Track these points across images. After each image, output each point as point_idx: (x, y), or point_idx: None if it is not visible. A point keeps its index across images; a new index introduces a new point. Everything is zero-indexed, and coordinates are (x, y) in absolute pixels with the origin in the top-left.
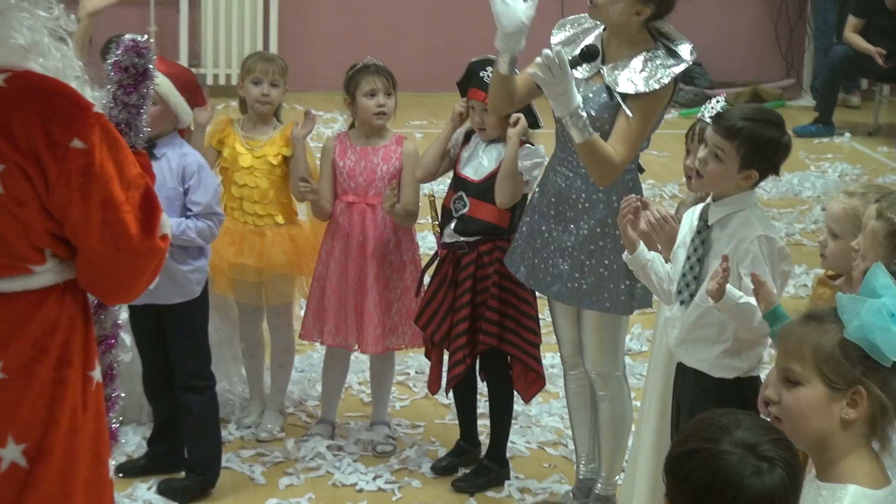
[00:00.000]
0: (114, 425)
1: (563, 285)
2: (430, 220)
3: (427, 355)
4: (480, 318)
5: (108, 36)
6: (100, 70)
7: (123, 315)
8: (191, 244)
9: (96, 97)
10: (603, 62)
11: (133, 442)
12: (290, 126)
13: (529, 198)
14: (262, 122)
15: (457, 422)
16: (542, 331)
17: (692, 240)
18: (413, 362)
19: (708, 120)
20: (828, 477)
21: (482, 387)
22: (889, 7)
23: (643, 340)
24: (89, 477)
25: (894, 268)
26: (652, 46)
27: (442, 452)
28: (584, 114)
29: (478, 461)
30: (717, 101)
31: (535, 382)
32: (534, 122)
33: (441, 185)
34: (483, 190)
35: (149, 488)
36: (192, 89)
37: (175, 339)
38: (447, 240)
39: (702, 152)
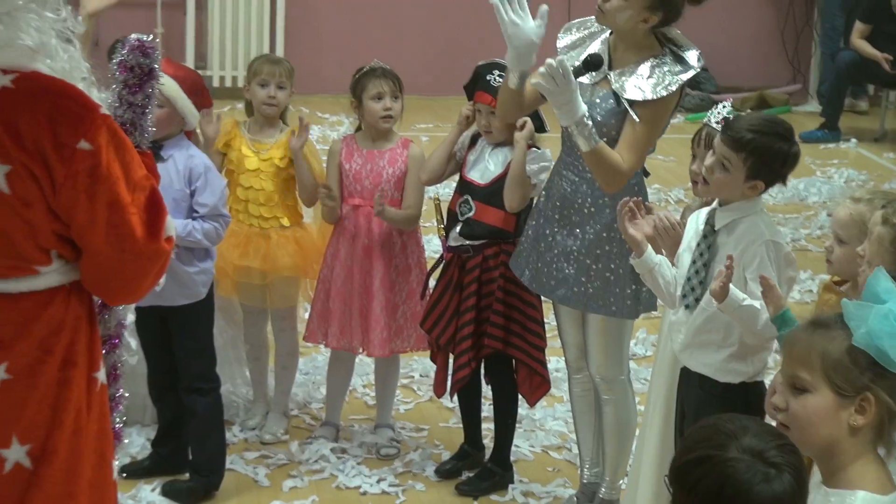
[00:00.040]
0: (117, 426)
1: (569, 289)
2: (436, 224)
3: (432, 359)
4: (485, 322)
5: (115, 38)
6: (106, 72)
7: (130, 317)
8: (197, 246)
9: (103, 99)
10: (610, 67)
11: (137, 443)
12: (295, 129)
13: (535, 202)
14: (269, 125)
15: (461, 425)
16: (546, 335)
17: (698, 244)
18: (417, 365)
19: (714, 125)
20: (835, 483)
21: (486, 390)
22: None
23: (648, 345)
24: (93, 478)
25: None
26: (659, 52)
27: (446, 456)
28: (590, 122)
29: (482, 465)
30: (724, 107)
31: (540, 386)
32: (540, 126)
33: (447, 189)
34: (489, 194)
35: (153, 490)
36: (199, 91)
37: (180, 341)
38: (452, 243)
39: (709, 159)
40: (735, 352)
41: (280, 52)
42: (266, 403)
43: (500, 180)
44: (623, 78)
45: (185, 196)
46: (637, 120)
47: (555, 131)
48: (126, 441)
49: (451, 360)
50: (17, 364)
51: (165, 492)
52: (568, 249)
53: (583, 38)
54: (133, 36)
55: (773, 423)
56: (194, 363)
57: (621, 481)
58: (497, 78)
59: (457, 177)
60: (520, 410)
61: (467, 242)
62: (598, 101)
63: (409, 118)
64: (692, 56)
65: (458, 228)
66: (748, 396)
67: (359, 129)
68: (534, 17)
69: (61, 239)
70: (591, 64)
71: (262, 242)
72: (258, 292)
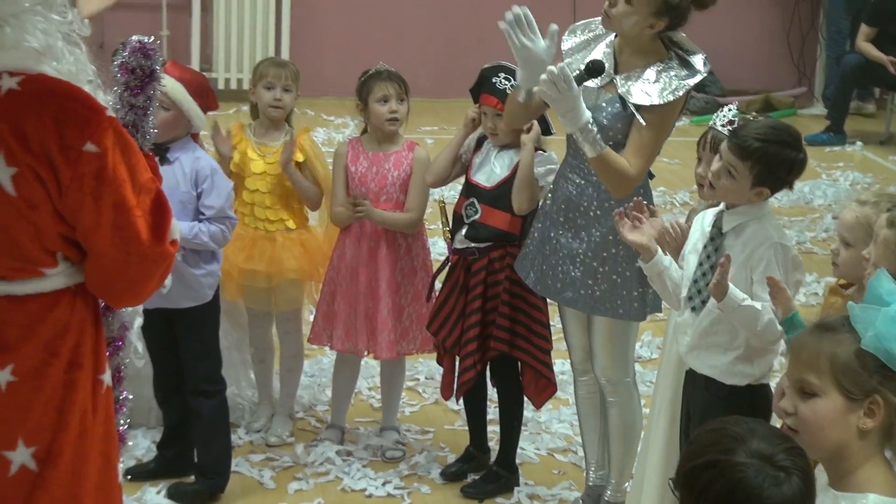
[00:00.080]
0: (121, 428)
1: (575, 292)
2: (441, 226)
3: (439, 361)
4: (491, 325)
5: (120, 40)
6: (111, 74)
7: (138, 321)
8: (203, 248)
9: (109, 101)
10: (616, 72)
11: (142, 446)
12: (301, 132)
13: (541, 204)
14: (274, 128)
15: (466, 428)
16: (552, 337)
17: (704, 246)
18: (423, 368)
19: (719, 128)
20: (844, 486)
21: (492, 393)
22: None
23: (653, 348)
24: (99, 480)
25: None
26: (665, 56)
27: (451, 458)
28: (595, 128)
29: (487, 467)
30: (729, 110)
31: (546, 388)
32: (546, 129)
33: (452, 192)
34: (495, 197)
35: (158, 492)
36: (205, 94)
37: (186, 343)
38: (458, 246)
39: (716, 164)
40: (741, 354)
41: (285, 54)
42: (271, 406)
43: (505, 183)
44: (629, 82)
45: (191, 198)
46: (644, 124)
47: (560, 134)
48: (131, 443)
49: (457, 363)
50: (23, 366)
51: (171, 494)
52: (574, 252)
53: (587, 41)
54: (134, 38)
55: (778, 425)
56: (200, 365)
57: (627, 484)
58: (502, 80)
59: (462, 179)
60: (525, 413)
61: (473, 245)
62: (604, 104)
63: (414, 121)
64: (698, 60)
65: (463, 231)
66: (754, 399)
67: (364, 131)
68: (544, 37)
69: (67, 241)
70: (593, 70)
71: (268, 245)
72: (263, 295)
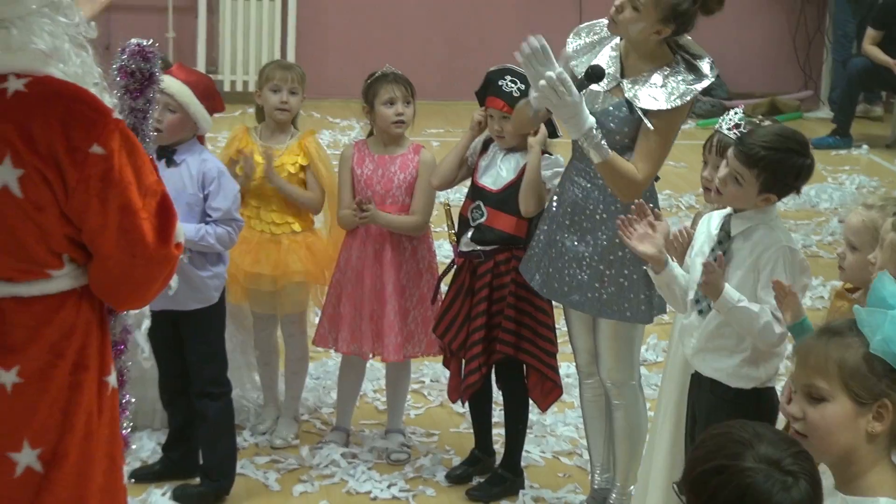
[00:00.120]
0: (125, 431)
1: (582, 295)
2: (446, 229)
3: (445, 364)
4: (496, 328)
5: (126, 41)
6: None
7: (146, 323)
8: (210, 250)
9: (115, 103)
10: (622, 75)
11: (148, 447)
12: (306, 135)
13: (546, 207)
14: (280, 131)
15: (471, 430)
16: (557, 340)
17: (712, 249)
18: (428, 370)
19: (725, 131)
20: (852, 490)
21: (497, 396)
22: None
23: (659, 351)
24: (104, 482)
25: None
26: (671, 60)
27: (457, 461)
28: (599, 133)
29: (492, 470)
30: (735, 113)
31: (551, 391)
32: (552, 132)
33: (457, 194)
34: (501, 200)
35: (163, 494)
36: (211, 96)
37: (192, 345)
38: (464, 248)
39: (723, 170)
40: (747, 357)
41: (291, 56)
42: (277, 408)
43: (512, 186)
44: (637, 87)
45: (198, 200)
46: (651, 129)
47: (566, 136)
48: (134, 447)
49: (463, 366)
50: (29, 368)
51: (176, 496)
52: (580, 256)
53: (592, 44)
54: (133, 41)
55: (781, 427)
56: (206, 367)
57: (632, 487)
58: (509, 83)
59: (467, 182)
60: (530, 416)
61: (479, 248)
62: (611, 108)
63: (420, 123)
64: (705, 65)
65: (469, 234)
66: (760, 402)
67: (371, 134)
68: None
69: (73, 243)
70: (594, 76)
71: (273, 248)
72: (268, 299)
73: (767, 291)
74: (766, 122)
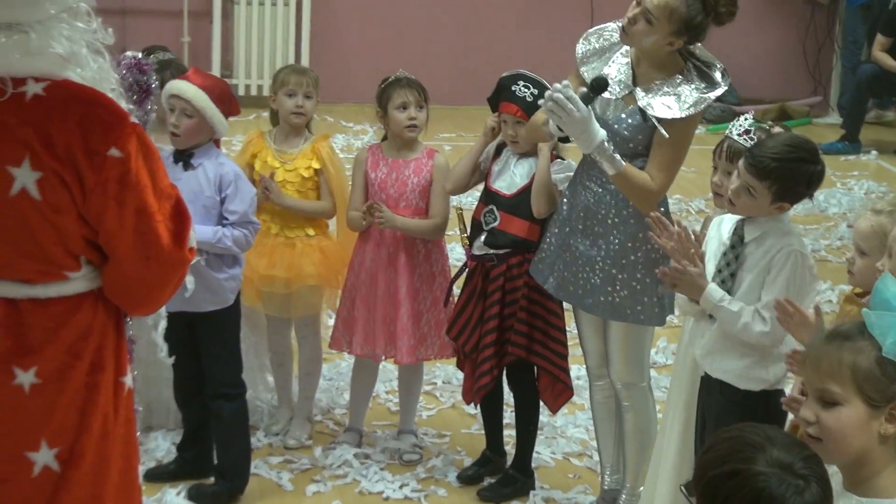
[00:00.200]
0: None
1: (595, 298)
2: (459, 233)
3: (459, 366)
4: (509, 330)
5: (142, 46)
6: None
7: (163, 324)
8: (227, 252)
9: (130, 108)
10: (634, 83)
11: (163, 447)
12: (320, 139)
13: (557, 209)
14: (294, 135)
15: (483, 432)
16: (567, 343)
17: (724, 253)
18: (440, 372)
19: (735, 137)
20: (865, 491)
21: (508, 397)
22: None
23: (668, 354)
24: (120, 481)
25: None
26: (682, 68)
27: (468, 462)
28: (611, 146)
29: (503, 471)
30: (745, 119)
31: (562, 393)
32: (564, 137)
33: (469, 198)
34: (514, 204)
35: (178, 493)
36: (227, 100)
37: (207, 347)
38: (477, 252)
39: (735, 182)
40: (757, 359)
41: (305, 61)
42: (290, 409)
43: (525, 191)
44: (650, 95)
45: (215, 203)
46: (666, 137)
47: None
48: (144, 450)
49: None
50: (47, 368)
51: (191, 496)
52: (593, 260)
53: (602, 49)
54: (128, 53)
55: (786, 428)
56: (221, 369)
57: (642, 488)
58: (522, 88)
59: (479, 186)
60: (541, 418)
61: (492, 251)
62: (623, 116)
63: (432, 128)
64: (717, 72)
65: (482, 238)
66: (769, 404)
67: (385, 138)
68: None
69: (90, 245)
70: (597, 87)
71: (287, 251)
72: (282, 301)
73: (769, 293)
74: (776, 129)
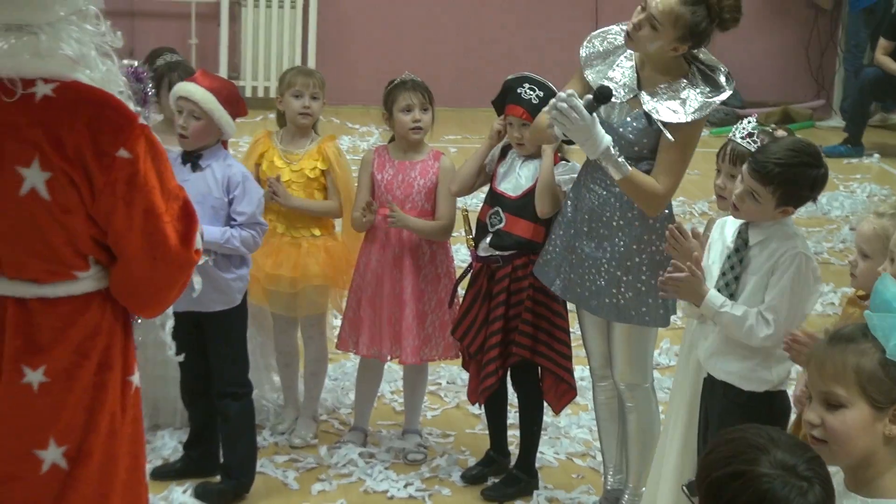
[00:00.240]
0: None
1: (601, 300)
2: (464, 234)
3: (465, 367)
4: (514, 331)
5: (150, 47)
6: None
7: (170, 323)
8: (235, 253)
9: (139, 110)
10: (639, 87)
11: (169, 446)
12: (326, 140)
13: (562, 212)
14: (300, 135)
15: (487, 432)
16: (571, 343)
17: (728, 257)
18: (445, 373)
19: (739, 140)
20: (871, 492)
21: (512, 398)
22: None
23: (672, 355)
24: (127, 479)
25: None
26: (687, 72)
27: (472, 461)
28: (616, 151)
29: (507, 471)
30: (749, 122)
31: (566, 393)
32: (569, 139)
33: (474, 199)
34: (519, 206)
35: (184, 491)
36: (235, 101)
37: (215, 346)
38: (482, 254)
39: (738, 187)
40: (760, 361)
41: (311, 63)
42: (296, 408)
43: (530, 193)
44: (655, 100)
45: (223, 204)
46: (672, 140)
47: None
48: (158, 444)
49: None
50: (55, 368)
51: (197, 494)
52: (598, 262)
53: (607, 52)
54: (124, 62)
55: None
56: (228, 368)
57: (644, 488)
58: (528, 91)
59: (484, 188)
60: (545, 418)
61: (497, 253)
62: (629, 120)
63: (438, 130)
64: (721, 76)
65: (488, 239)
66: (772, 405)
67: (392, 140)
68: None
69: (98, 245)
70: (601, 97)
71: (293, 251)
72: (288, 300)
73: (773, 295)
74: (779, 132)
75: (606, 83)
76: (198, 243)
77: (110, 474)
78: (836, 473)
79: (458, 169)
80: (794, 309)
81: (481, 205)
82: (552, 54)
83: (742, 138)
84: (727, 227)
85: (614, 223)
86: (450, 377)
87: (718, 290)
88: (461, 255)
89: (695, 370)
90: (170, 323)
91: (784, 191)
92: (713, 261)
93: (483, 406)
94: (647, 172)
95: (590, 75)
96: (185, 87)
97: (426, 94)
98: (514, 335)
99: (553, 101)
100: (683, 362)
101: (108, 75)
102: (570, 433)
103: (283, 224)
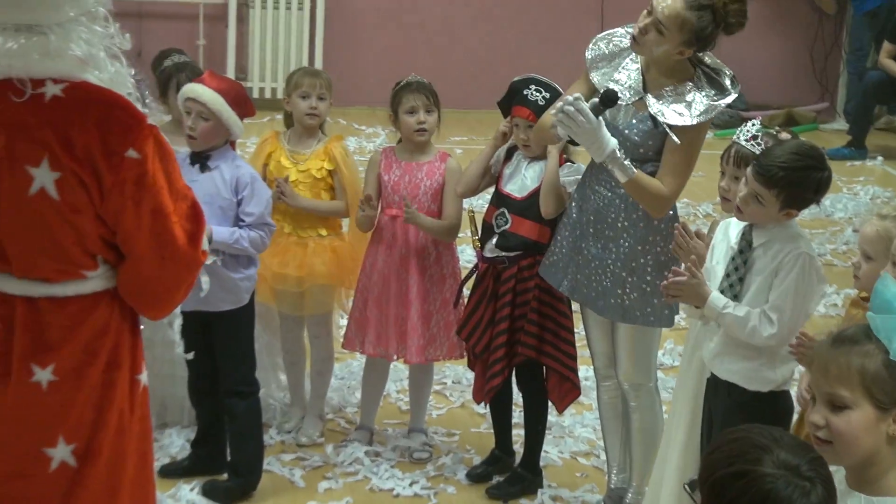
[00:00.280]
0: None
1: (606, 301)
2: (470, 235)
3: (470, 366)
4: (519, 331)
5: (158, 49)
6: (151, 82)
7: (178, 321)
8: (243, 253)
9: (147, 110)
10: (644, 90)
11: (177, 444)
12: (333, 140)
13: (568, 212)
14: (307, 136)
15: (492, 431)
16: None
17: (733, 258)
18: (450, 372)
19: (743, 142)
20: (875, 490)
21: (517, 397)
22: None
23: (675, 356)
24: (135, 476)
25: None
26: (692, 75)
27: (477, 460)
28: (622, 154)
29: (512, 469)
30: (753, 125)
31: (570, 392)
32: (574, 140)
33: (480, 201)
34: (525, 207)
35: (192, 489)
36: (243, 102)
37: (223, 345)
38: (488, 254)
39: (743, 190)
40: (765, 361)
41: (318, 64)
42: (302, 407)
43: (536, 194)
44: (661, 102)
45: (231, 205)
46: (677, 143)
47: None
48: (166, 443)
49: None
50: (64, 366)
51: (205, 491)
52: (603, 263)
53: (612, 54)
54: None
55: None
56: (235, 367)
57: (647, 487)
58: (534, 92)
59: (490, 189)
60: (549, 417)
61: (503, 254)
62: (634, 122)
63: (445, 131)
64: (726, 79)
65: (494, 240)
66: (776, 405)
67: (400, 141)
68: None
69: (107, 244)
70: (608, 100)
71: (300, 251)
72: (295, 299)
73: (777, 295)
74: (783, 135)
75: (612, 86)
76: (204, 244)
77: (119, 472)
78: (837, 472)
79: (463, 171)
80: (798, 308)
81: (487, 206)
82: (558, 57)
83: (746, 141)
84: (731, 229)
85: (619, 224)
86: (455, 377)
87: (723, 291)
88: (467, 255)
89: (698, 370)
90: (178, 321)
91: (788, 194)
92: (717, 262)
93: (488, 405)
94: (652, 174)
95: (595, 77)
96: (194, 89)
97: (431, 96)
98: (520, 335)
99: (560, 104)
100: (687, 362)
101: (117, 76)
102: (575, 432)
103: (290, 224)
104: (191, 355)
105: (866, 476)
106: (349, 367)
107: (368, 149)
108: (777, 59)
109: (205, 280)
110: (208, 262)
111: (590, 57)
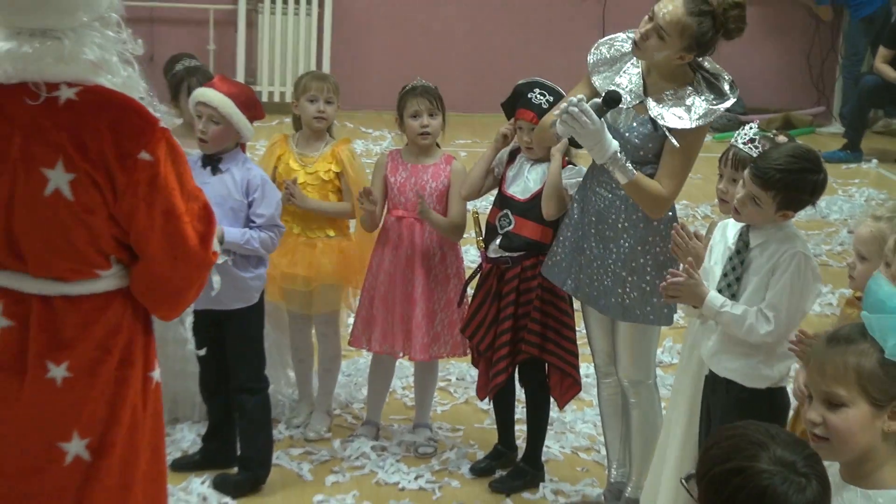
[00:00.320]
0: None
1: (607, 300)
2: (474, 235)
3: (474, 363)
4: (522, 329)
5: (170, 53)
6: (162, 86)
7: (189, 319)
8: (254, 253)
9: (159, 115)
10: (645, 93)
11: (188, 438)
12: (340, 143)
13: (569, 214)
14: (315, 138)
15: (495, 426)
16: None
17: (730, 258)
18: (454, 369)
19: (741, 146)
20: (868, 484)
21: (520, 393)
22: None
23: (674, 353)
24: (148, 470)
25: None
26: (692, 79)
27: (480, 455)
28: (623, 156)
29: (514, 464)
30: (751, 128)
31: (571, 388)
32: (576, 142)
33: (484, 202)
34: (528, 209)
35: (203, 482)
36: (252, 106)
37: (233, 343)
38: (492, 255)
39: (740, 191)
40: (762, 358)
41: (326, 68)
42: (310, 403)
43: (538, 196)
44: (661, 106)
45: (242, 206)
46: (676, 146)
47: None
48: (178, 437)
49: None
50: (78, 363)
51: (215, 484)
52: (605, 262)
53: (614, 59)
54: None
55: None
56: (246, 364)
57: (646, 481)
58: (538, 95)
59: (494, 191)
60: (551, 413)
61: (507, 254)
62: (634, 125)
63: (449, 134)
64: (725, 84)
65: (497, 241)
66: (773, 401)
67: (406, 144)
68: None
69: (120, 244)
70: (611, 101)
71: (308, 251)
72: (303, 298)
73: (773, 294)
74: (780, 138)
75: (615, 88)
76: (215, 245)
77: (132, 466)
78: (831, 466)
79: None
80: (794, 306)
81: (490, 207)
82: (560, 61)
83: (744, 144)
84: (729, 230)
85: (619, 225)
86: (459, 374)
87: (721, 291)
88: (471, 255)
89: (696, 368)
90: (190, 319)
91: (785, 195)
92: (715, 262)
93: (491, 401)
94: (651, 176)
95: (597, 81)
96: (204, 93)
97: (435, 100)
98: (524, 333)
99: (564, 105)
100: (685, 360)
101: (129, 81)
102: (576, 428)
103: (298, 225)
104: (203, 351)
105: (861, 471)
106: (356, 364)
107: (375, 151)
108: (775, 64)
109: (216, 279)
110: (219, 261)
111: (592, 61)
